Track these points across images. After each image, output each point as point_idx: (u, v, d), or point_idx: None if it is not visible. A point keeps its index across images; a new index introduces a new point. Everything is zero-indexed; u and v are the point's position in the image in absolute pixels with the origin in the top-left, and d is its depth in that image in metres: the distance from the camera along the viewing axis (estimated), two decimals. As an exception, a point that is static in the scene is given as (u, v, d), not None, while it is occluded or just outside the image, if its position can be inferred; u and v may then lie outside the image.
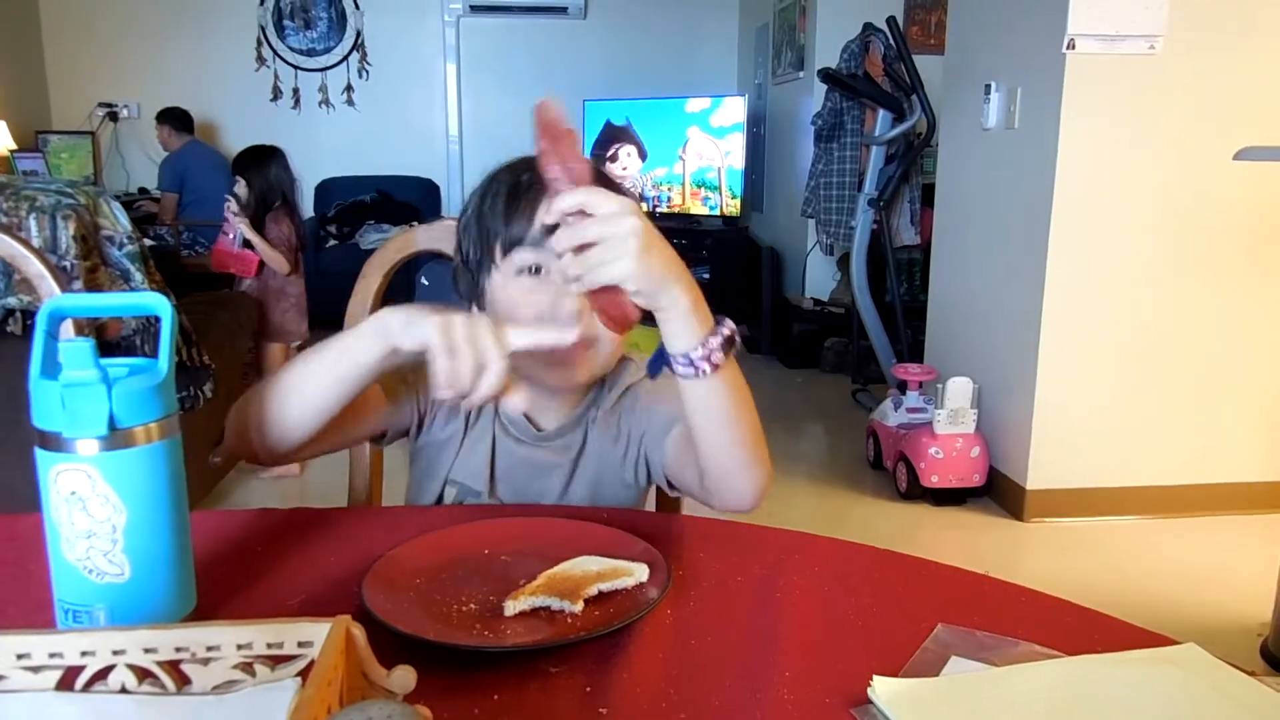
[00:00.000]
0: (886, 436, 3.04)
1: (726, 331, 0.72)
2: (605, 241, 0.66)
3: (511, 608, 0.66)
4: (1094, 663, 0.61)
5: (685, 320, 0.70)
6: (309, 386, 0.77)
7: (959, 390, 2.77)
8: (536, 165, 0.73)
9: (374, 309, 1.20)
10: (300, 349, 3.25)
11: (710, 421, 0.76)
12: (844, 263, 4.25)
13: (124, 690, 0.46)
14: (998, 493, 2.84)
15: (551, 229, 0.70)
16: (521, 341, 0.72)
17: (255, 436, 0.80)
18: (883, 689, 0.57)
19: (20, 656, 0.46)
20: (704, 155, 4.98)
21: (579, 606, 0.66)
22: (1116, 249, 2.60)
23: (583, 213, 0.67)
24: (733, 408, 0.75)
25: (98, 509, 0.59)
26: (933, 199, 3.37)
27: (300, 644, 0.47)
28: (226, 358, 2.73)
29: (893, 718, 0.55)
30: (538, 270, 0.86)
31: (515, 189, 0.89)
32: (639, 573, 0.70)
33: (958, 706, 0.57)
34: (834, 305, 4.45)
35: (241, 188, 3.12)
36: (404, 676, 0.46)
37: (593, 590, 0.68)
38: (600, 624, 0.65)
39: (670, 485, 0.94)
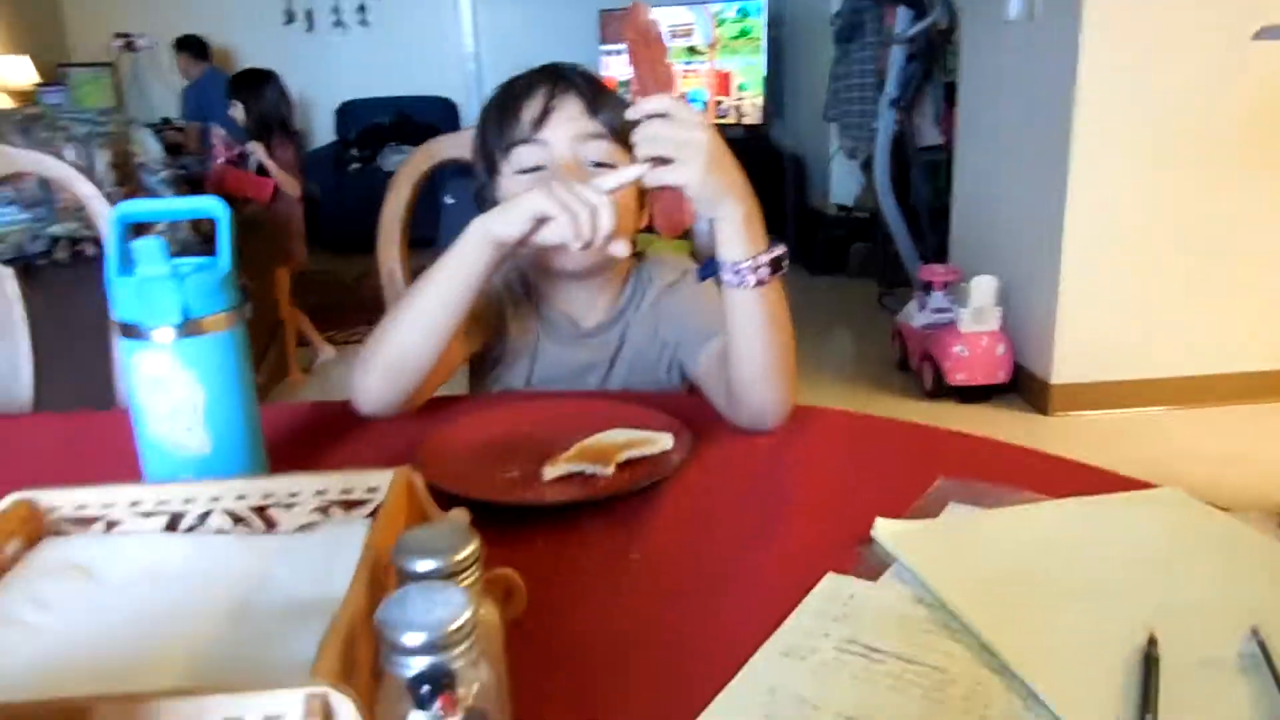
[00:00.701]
0: (912, 337, 3.08)
1: (777, 252, 0.78)
2: (678, 147, 0.71)
3: (550, 473, 0.73)
4: (1080, 503, 0.67)
5: (738, 233, 0.76)
6: (432, 308, 0.80)
7: (983, 288, 2.80)
8: (530, 72, 0.79)
9: (406, 220, 1.26)
10: (301, 274, 3.32)
11: (746, 336, 0.80)
12: (868, 167, 4.21)
13: (220, 532, 0.54)
14: (1023, 389, 2.88)
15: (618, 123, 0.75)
16: (610, 184, 0.77)
17: (387, 379, 0.82)
18: (884, 528, 0.64)
19: (133, 504, 0.53)
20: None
21: (610, 470, 0.73)
22: (1139, 140, 2.58)
23: (663, 115, 0.72)
24: (769, 326, 0.80)
25: (178, 390, 0.66)
26: (955, 97, 3.33)
27: (369, 489, 0.54)
28: (259, 282, 2.81)
29: (892, 550, 0.62)
30: (538, 169, 0.92)
31: (507, 92, 0.95)
32: (664, 441, 0.77)
33: (951, 541, 0.64)
34: (859, 210, 4.43)
35: (238, 111, 3.14)
36: (459, 515, 0.53)
37: (622, 456, 0.75)
38: (630, 484, 0.71)
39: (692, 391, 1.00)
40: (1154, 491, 0.69)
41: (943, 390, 2.87)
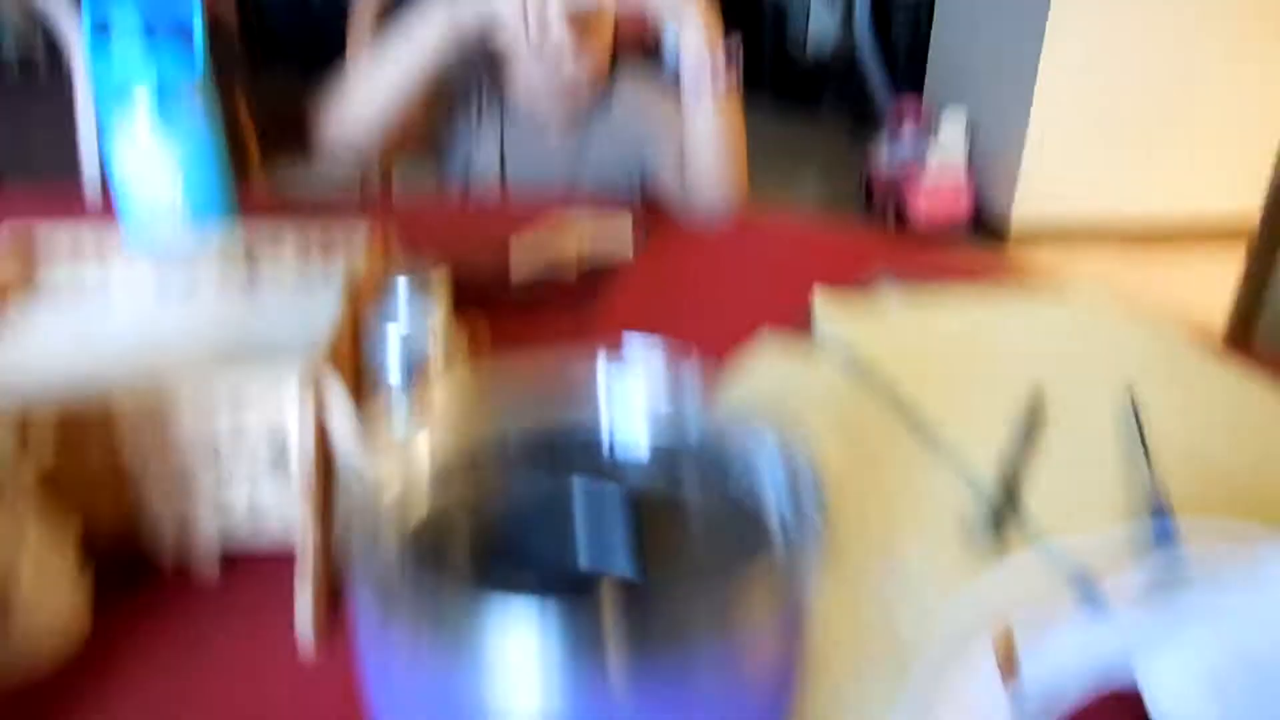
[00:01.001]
0: (879, 175, 3.11)
1: (731, 49, 0.87)
2: None
3: (517, 273, 0.78)
4: (1010, 294, 0.74)
5: (695, 35, 0.86)
6: (391, 81, 0.90)
7: (953, 125, 2.81)
8: None
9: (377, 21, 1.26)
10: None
11: (701, 126, 0.91)
12: (848, 11, 4.10)
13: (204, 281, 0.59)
14: (984, 227, 2.94)
15: None
16: None
17: (349, 131, 0.93)
18: (822, 296, 0.71)
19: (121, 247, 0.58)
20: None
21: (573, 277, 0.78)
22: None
23: None
24: (722, 118, 0.90)
25: (156, 150, 0.69)
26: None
27: (347, 239, 0.59)
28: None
29: (822, 318, 0.68)
30: None
31: None
32: (623, 225, 0.82)
33: (879, 314, 0.70)
34: (836, 56, 4.34)
35: None
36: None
37: (586, 245, 0.80)
38: (590, 265, 0.77)
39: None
40: (1081, 286, 0.76)
41: (905, 227, 2.93)
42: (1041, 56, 2.60)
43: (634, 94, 1.05)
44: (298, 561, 0.41)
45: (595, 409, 0.33)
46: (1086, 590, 0.37)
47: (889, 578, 0.44)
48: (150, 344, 0.52)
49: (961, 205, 2.88)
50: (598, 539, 0.23)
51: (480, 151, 1.04)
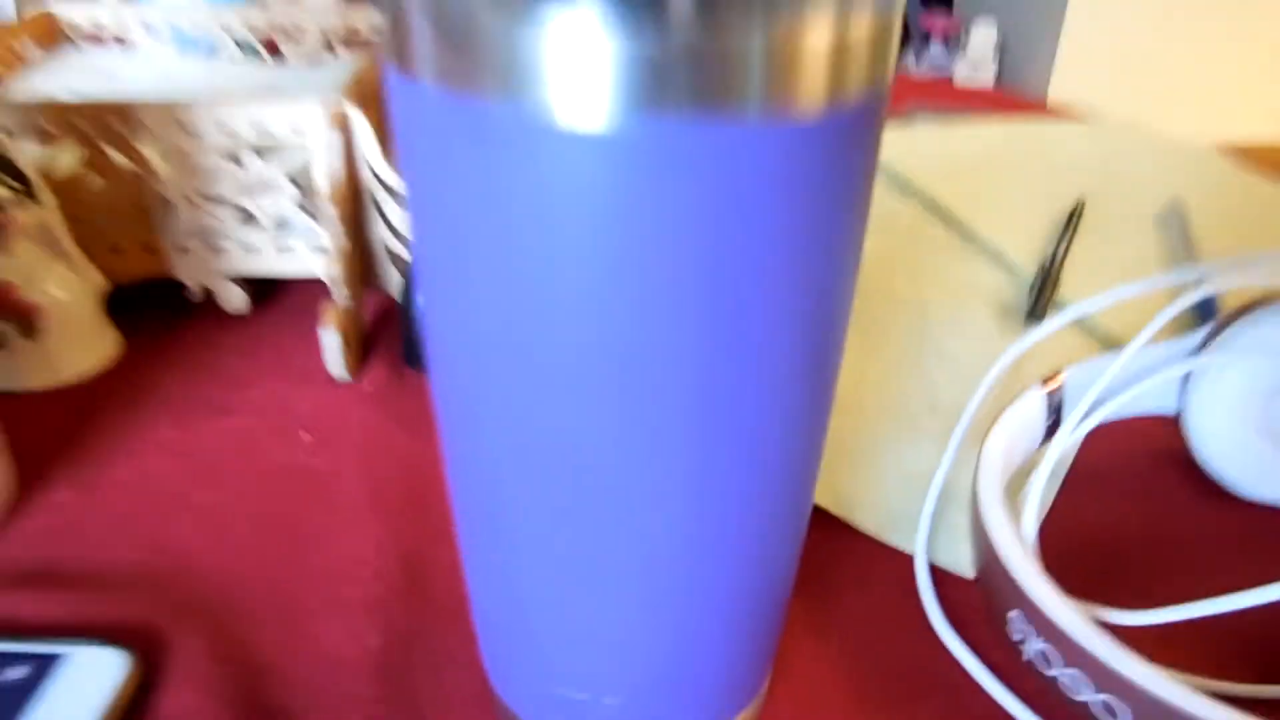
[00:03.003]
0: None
1: None
2: None
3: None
4: (1042, 123, 0.72)
5: None
6: None
7: (982, 37, 2.73)
8: None
9: None
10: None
11: None
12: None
13: (231, 61, 0.57)
14: (1007, 146, 2.89)
15: None
16: None
17: None
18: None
19: (146, 26, 0.56)
20: None
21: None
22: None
23: None
24: None
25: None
26: None
27: (372, 29, 0.57)
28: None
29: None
30: None
31: None
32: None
33: (913, 136, 0.68)
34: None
35: None
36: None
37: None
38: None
39: None
40: (1118, 122, 0.73)
41: (929, 143, 2.87)
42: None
43: None
44: (330, 289, 0.41)
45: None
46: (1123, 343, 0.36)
47: (926, 349, 0.43)
48: (175, 87, 0.51)
49: (987, 121, 2.83)
50: None
51: None
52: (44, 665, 0.26)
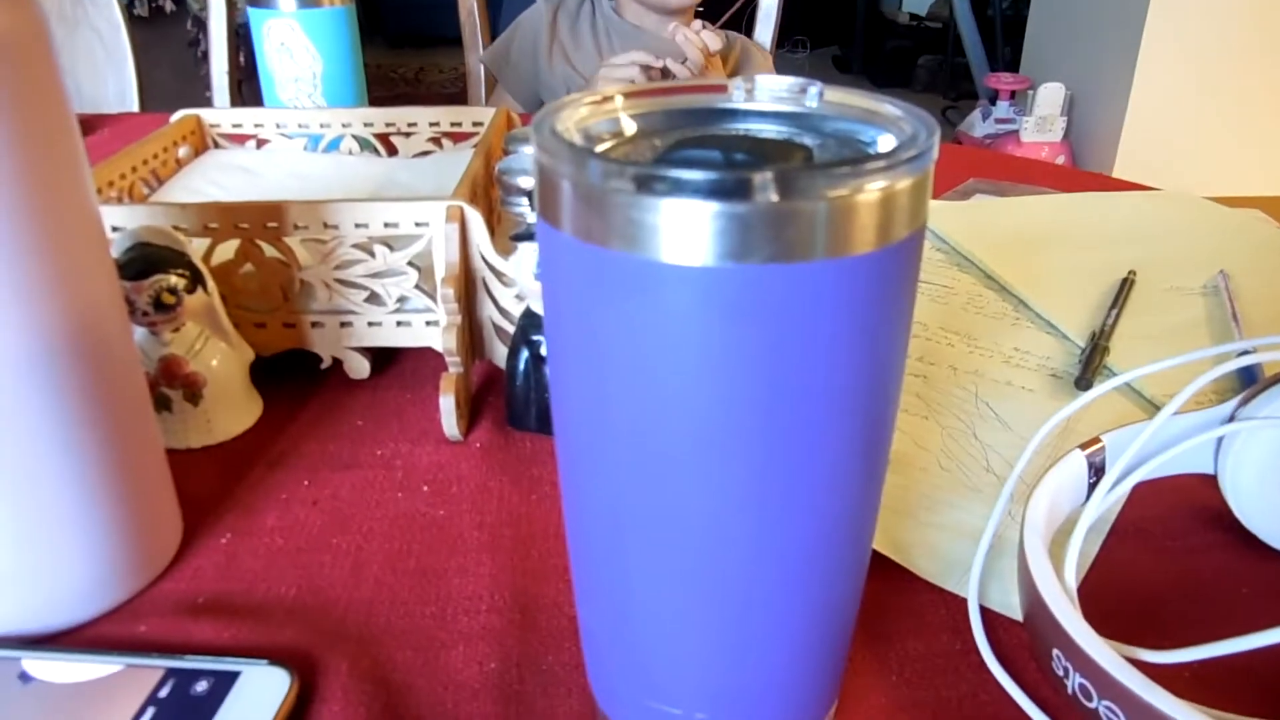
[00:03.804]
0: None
1: None
2: None
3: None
4: (1099, 195, 0.75)
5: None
6: None
7: (1050, 96, 2.75)
8: None
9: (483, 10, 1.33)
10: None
11: None
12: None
13: (350, 153, 0.64)
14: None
15: None
16: None
17: None
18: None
19: (279, 125, 0.64)
20: None
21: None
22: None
23: None
24: None
25: (301, 57, 0.75)
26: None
27: (474, 123, 0.64)
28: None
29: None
30: None
31: None
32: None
33: (969, 210, 0.72)
34: (931, 20, 4.28)
35: None
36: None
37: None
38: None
39: None
40: (1171, 191, 0.76)
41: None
42: (1144, 32, 2.53)
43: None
44: (444, 359, 0.46)
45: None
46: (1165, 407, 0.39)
47: (981, 414, 0.47)
48: (306, 182, 0.58)
49: (1056, 178, 2.83)
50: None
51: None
52: (224, 680, 0.31)
